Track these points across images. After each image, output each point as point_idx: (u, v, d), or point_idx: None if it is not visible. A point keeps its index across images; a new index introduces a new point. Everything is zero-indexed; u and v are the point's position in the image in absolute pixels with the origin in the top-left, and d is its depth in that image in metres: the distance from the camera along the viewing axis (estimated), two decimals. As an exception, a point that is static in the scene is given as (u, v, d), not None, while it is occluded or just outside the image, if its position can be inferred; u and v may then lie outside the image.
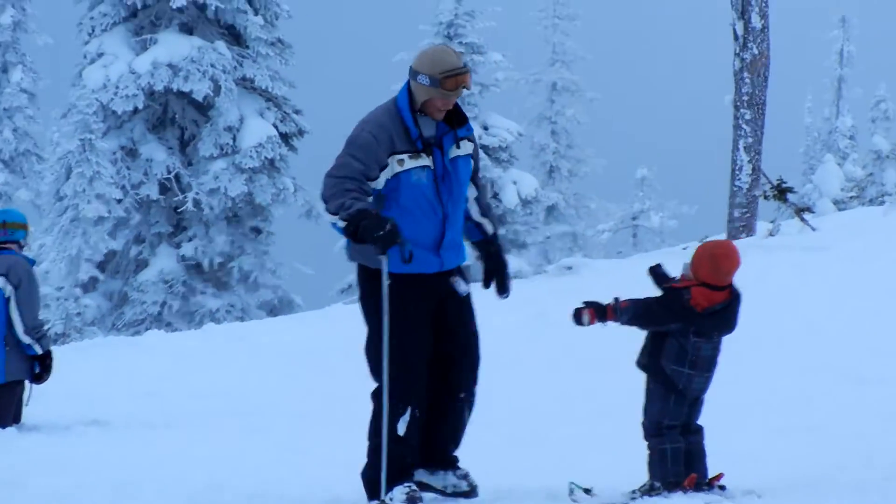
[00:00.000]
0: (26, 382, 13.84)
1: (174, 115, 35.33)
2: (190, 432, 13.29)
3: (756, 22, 25.48)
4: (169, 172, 34.38)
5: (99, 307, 34.76)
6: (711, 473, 8.29)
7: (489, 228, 8.11)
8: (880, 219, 25.32)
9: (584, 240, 44.97)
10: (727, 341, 10.19)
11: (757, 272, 17.89)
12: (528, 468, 10.33)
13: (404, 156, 7.58)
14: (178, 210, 35.14)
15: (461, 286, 7.50)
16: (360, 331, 8.53)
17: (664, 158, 54.51)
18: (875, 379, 12.23)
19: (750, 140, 25.24)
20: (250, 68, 34.79)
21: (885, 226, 23.69)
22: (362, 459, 7.63)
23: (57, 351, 15.42)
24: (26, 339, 13.83)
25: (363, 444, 8.32)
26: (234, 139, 34.19)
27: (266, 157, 34.19)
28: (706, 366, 8.14)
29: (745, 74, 25.49)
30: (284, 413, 14.47)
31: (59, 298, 33.81)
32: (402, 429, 7.95)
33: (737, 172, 25.20)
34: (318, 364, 17.72)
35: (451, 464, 8.54)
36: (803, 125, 54.34)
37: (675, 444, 8.28)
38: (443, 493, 8.54)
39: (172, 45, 33.93)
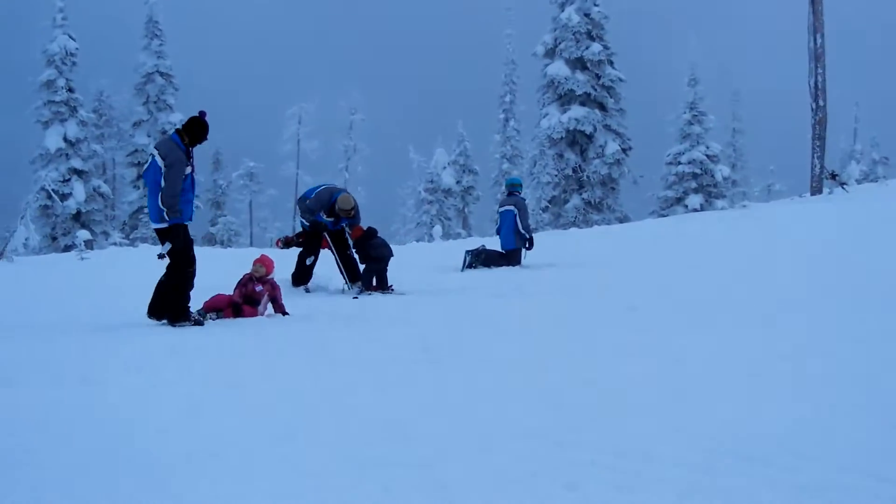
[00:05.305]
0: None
1: (577, 139, 46.04)
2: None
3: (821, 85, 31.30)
4: (575, 164, 45.55)
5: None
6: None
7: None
8: (876, 189, 30.21)
9: (749, 196, 51.59)
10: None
11: (827, 208, 24.55)
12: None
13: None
14: (579, 177, 45.99)
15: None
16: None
17: (788, 158, 60.47)
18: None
19: (819, 153, 31.58)
20: (608, 120, 45.99)
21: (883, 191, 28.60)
22: None
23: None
24: (526, 234, 19.22)
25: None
26: (602, 150, 45.58)
27: (615, 158, 45.34)
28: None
29: (816, 127, 31.65)
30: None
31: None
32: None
33: (814, 165, 31.95)
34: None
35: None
36: (839, 147, 60.59)
37: (373, 273, 14.29)
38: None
39: (576, 111, 45.42)
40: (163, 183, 10.73)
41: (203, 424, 5.93)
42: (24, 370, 7.82)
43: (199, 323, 11.08)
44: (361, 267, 15.34)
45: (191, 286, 11.11)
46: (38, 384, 7.23)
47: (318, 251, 15.38)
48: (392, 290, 14.94)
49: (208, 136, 11.24)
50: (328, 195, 15.26)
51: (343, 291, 15.11)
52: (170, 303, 10.98)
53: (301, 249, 15.43)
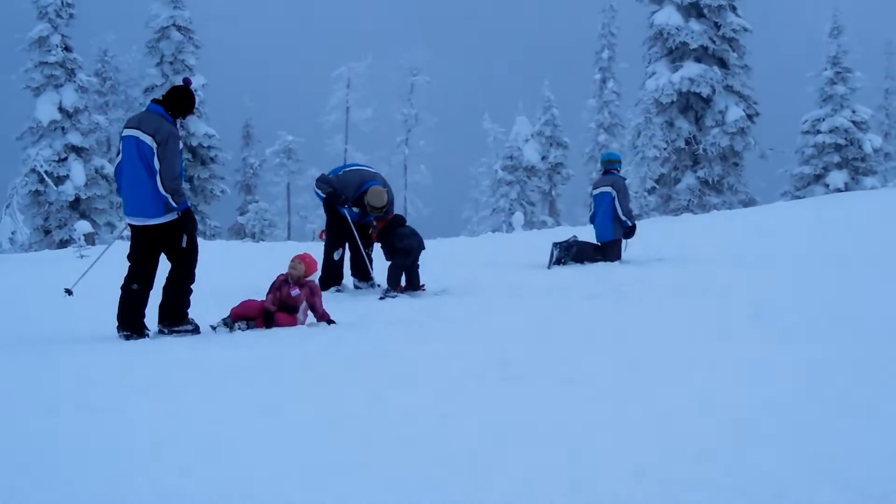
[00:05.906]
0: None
1: (691, 104, 47.41)
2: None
3: None
4: (689, 134, 46.11)
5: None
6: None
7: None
8: None
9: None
10: None
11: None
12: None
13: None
14: (694, 150, 46.95)
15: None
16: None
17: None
18: None
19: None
20: (730, 80, 47.39)
21: None
22: None
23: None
24: (626, 221, 19.16)
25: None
26: (722, 117, 46.79)
27: (738, 126, 46.62)
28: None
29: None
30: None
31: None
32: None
33: None
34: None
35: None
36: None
37: (400, 269, 14.35)
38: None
39: (690, 68, 46.59)
40: (157, 165, 10.75)
41: (233, 460, 5.84)
42: (9, 393, 7.73)
43: (197, 330, 11.11)
44: (373, 265, 15.68)
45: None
46: (26, 411, 7.14)
47: (346, 243, 15.49)
48: (423, 289, 14.94)
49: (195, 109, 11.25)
50: (358, 179, 15.31)
51: (374, 286, 15.44)
52: (171, 304, 11.02)
53: (324, 244, 15.63)
